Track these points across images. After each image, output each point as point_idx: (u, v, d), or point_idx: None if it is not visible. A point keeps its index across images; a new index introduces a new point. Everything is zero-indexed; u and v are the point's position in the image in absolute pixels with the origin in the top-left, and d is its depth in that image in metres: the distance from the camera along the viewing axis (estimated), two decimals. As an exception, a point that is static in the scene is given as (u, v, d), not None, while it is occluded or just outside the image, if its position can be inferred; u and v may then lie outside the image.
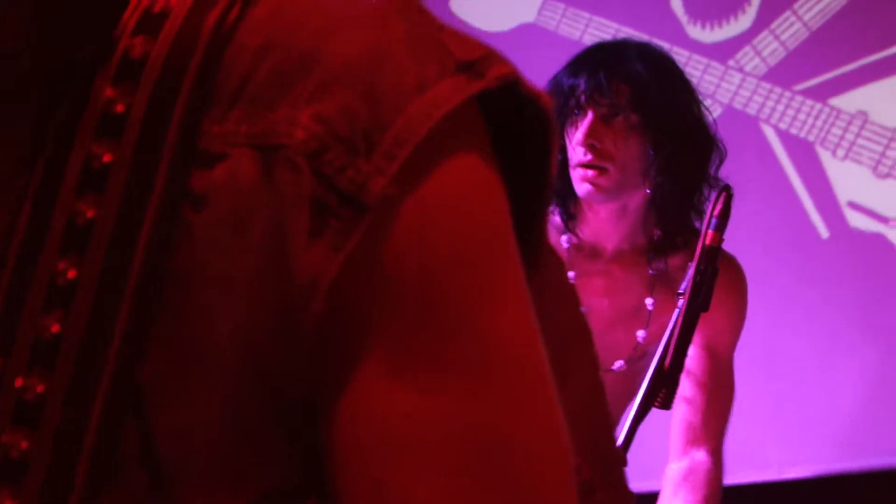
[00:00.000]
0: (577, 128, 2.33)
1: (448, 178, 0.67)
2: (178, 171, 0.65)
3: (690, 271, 1.95)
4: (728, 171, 3.67)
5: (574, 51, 3.92)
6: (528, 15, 4.02)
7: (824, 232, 3.59)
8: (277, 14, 0.68)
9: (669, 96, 2.35)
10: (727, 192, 1.97)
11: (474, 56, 0.68)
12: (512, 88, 0.68)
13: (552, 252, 0.80)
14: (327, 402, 0.65)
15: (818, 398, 3.52)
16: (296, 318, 0.65)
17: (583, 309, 2.33)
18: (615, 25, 3.89)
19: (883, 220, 3.53)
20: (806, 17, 3.65)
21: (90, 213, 0.66)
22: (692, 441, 2.36)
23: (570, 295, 0.83)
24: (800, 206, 3.61)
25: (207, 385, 0.65)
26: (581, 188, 2.31)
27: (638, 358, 2.43)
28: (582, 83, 2.33)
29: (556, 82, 2.40)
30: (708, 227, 1.95)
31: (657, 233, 2.38)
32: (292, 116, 0.65)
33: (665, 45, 3.79)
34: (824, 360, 3.53)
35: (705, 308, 1.95)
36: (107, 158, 0.66)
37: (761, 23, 3.70)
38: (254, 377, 0.66)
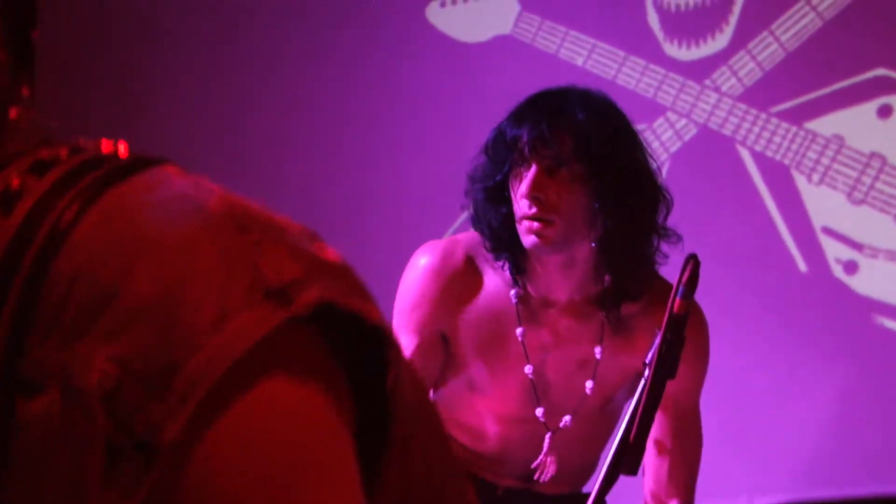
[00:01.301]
0: (521, 180, 2.29)
1: (248, 411, 0.66)
2: (3, 396, 0.67)
3: (657, 340, 1.93)
4: (703, 192, 3.66)
5: (549, 65, 3.92)
6: (503, 27, 3.98)
7: (797, 256, 3.57)
8: (92, 238, 0.68)
9: (613, 146, 2.32)
10: (694, 260, 1.95)
11: (286, 279, 0.68)
12: (331, 310, 0.68)
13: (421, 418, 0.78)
14: None
15: (787, 425, 3.51)
16: None
17: (529, 367, 2.34)
18: (591, 40, 3.85)
19: (857, 246, 3.51)
20: (783, 39, 3.63)
21: None
22: (664, 496, 2.36)
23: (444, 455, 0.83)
24: (774, 230, 3.59)
25: None
26: (527, 240, 2.29)
27: (587, 411, 2.41)
28: (525, 134, 2.29)
29: (499, 132, 2.36)
30: (675, 296, 1.93)
31: (607, 279, 2.36)
32: (89, 356, 0.65)
33: (641, 61, 3.79)
34: (792, 387, 3.52)
35: (672, 376, 1.93)
36: None
37: (738, 43, 3.68)
38: None
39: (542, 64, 3.89)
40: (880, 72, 3.51)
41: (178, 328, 0.66)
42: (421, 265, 2.40)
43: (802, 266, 3.56)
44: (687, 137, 3.73)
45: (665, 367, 1.91)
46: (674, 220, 3.65)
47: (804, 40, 3.61)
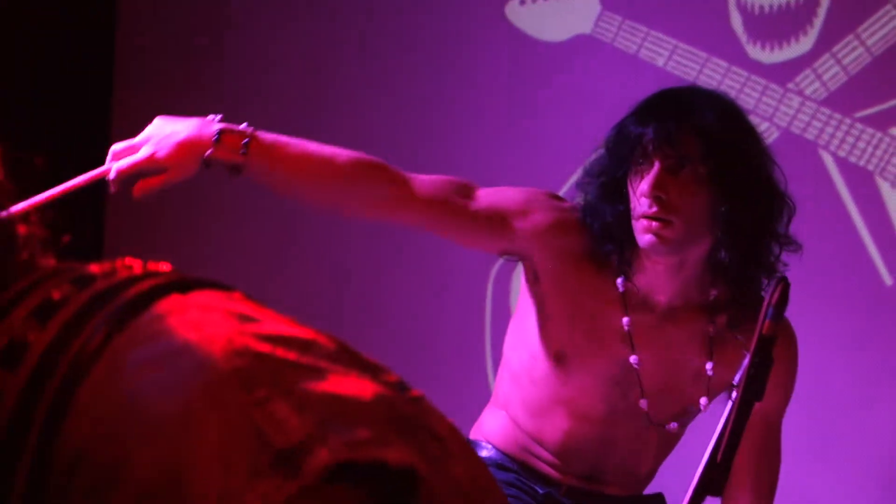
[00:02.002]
0: (641, 177, 2.25)
1: None
2: None
3: (745, 362, 1.90)
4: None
5: (629, 65, 3.88)
6: (584, 26, 3.95)
7: (880, 264, 3.52)
8: (94, 406, 0.67)
9: (740, 150, 2.28)
10: (784, 282, 1.92)
11: (293, 443, 0.66)
12: (347, 466, 0.66)
13: None
14: None
15: (873, 435, 3.47)
16: None
17: (635, 357, 2.29)
18: (672, 41, 3.82)
19: (941, 255, 3.46)
20: (869, 42, 3.57)
21: None
22: None
23: None
24: (857, 237, 3.55)
25: None
26: (644, 239, 2.24)
27: (691, 419, 2.40)
28: (650, 132, 2.25)
29: (621, 129, 2.32)
30: (765, 318, 1.90)
31: (714, 292, 2.33)
32: None
33: (723, 63, 3.75)
34: (877, 397, 3.48)
35: (759, 398, 1.90)
36: None
37: (823, 46, 3.63)
38: None
39: (621, 64, 3.86)
40: (968, 78, 3.46)
41: None
42: (539, 192, 2.38)
43: (885, 273, 3.51)
44: (769, 140, 3.68)
45: (753, 389, 1.88)
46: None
47: (891, 44, 3.55)
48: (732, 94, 3.72)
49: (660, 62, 3.84)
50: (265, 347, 0.70)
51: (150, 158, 2.09)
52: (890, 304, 3.51)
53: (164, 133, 2.12)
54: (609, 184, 2.28)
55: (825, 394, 3.51)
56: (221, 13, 4.41)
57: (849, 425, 3.48)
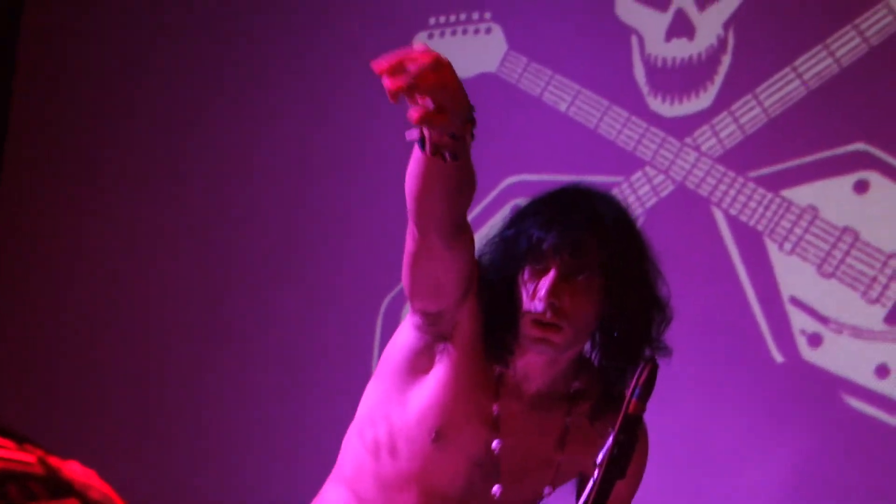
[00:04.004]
0: (537, 279, 2.26)
1: None
2: None
3: (609, 440, 1.91)
4: (675, 250, 3.65)
5: (532, 107, 3.88)
6: (489, 64, 3.96)
7: (763, 324, 3.57)
8: None
9: (637, 266, 2.32)
10: (652, 363, 1.94)
11: None
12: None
13: None
14: None
15: (745, 495, 3.51)
16: None
17: (498, 442, 2.30)
18: (576, 86, 3.84)
19: (823, 320, 3.51)
20: (767, 103, 3.62)
21: None
22: None
23: None
24: (742, 295, 3.59)
25: None
26: (531, 338, 2.26)
27: None
28: (553, 238, 2.26)
29: (523, 229, 2.30)
30: (632, 396, 1.92)
31: (576, 384, 2.36)
32: None
33: (624, 112, 3.78)
34: (753, 455, 3.52)
35: (622, 476, 1.92)
36: None
37: (722, 103, 3.67)
38: None
39: (525, 105, 3.88)
40: (860, 146, 3.51)
41: None
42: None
43: (767, 334, 3.56)
44: (663, 194, 3.73)
45: (616, 467, 1.90)
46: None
47: (787, 107, 3.60)
48: (631, 144, 3.76)
49: (562, 107, 3.86)
50: None
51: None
52: (768, 358, 3.55)
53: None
54: (501, 280, 2.30)
55: (704, 448, 3.54)
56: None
57: (724, 478, 3.53)
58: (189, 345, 4.20)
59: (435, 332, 2.33)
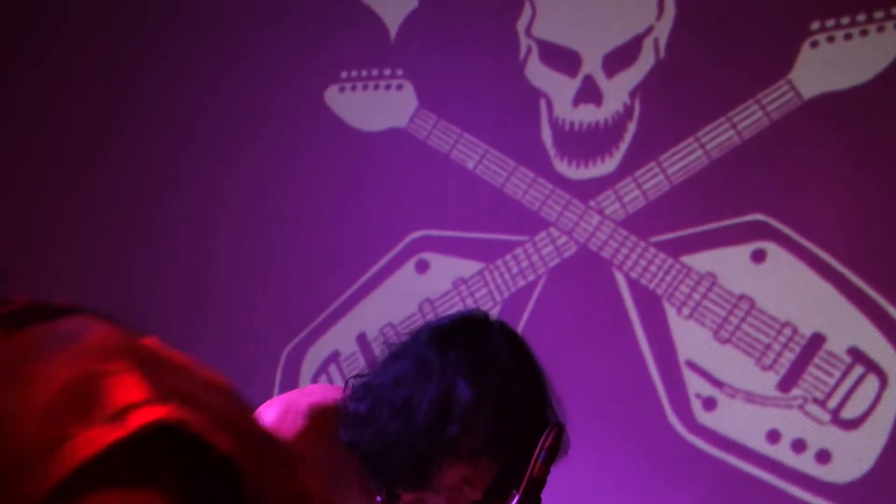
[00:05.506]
0: (449, 463, 2.17)
1: None
2: None
3: (514, 501, 1.96)
4: (576, 310, 3.72)
5: (440, 164, 3.91)
6: (399, 120, 4.01)
7: (659, 386, 3.64)
8: None
9: (533, 459, 2.27)
10: (558, 428, 1.98)
11: (125, 403, 0.74)
12: (172, 431, 0.74)
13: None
14: None
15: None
16: None
17: None
18: (484, 146, 3.90)
19: (718, 384, 3.59)
20: (669, 171, 3.71)
21: None
22: None
23: None
24: (640, 357, 3.66)
25: None
26: None
27: None
28: (470, 441, 2.15)
29: (441, 419, 2.17)
30: (537, 460, 1.96)
31: None
32: None
33: (530, 174, 3.84)
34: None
35: (528, 539, 1.95)
36: None
37: (626, 169, 3.75)
38: None
39: (432, 161, 3.93)
40: (759, 217, 3.61)
41: (13, 451, 0.71)
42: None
43: (664, 396, 3.63)
44: (566, 255, 3.79)
45: (521, 527, 1.93)
46: (545, 335, 3.72)
47: (689, 176, 3.69)
48: (536, 205, 3.82)
49: (470, 164, 3.92)
50: (142, 345, 0.80)
51: None
52: (663, 420, 3.62)
53: None
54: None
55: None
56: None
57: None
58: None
59: None
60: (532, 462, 1.99)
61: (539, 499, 2.00)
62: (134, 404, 0.74)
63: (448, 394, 2.16)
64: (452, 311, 3.73)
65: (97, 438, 0.72)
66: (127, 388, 0.75)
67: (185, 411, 0.75)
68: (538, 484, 2.00)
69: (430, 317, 3.81)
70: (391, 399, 2.18)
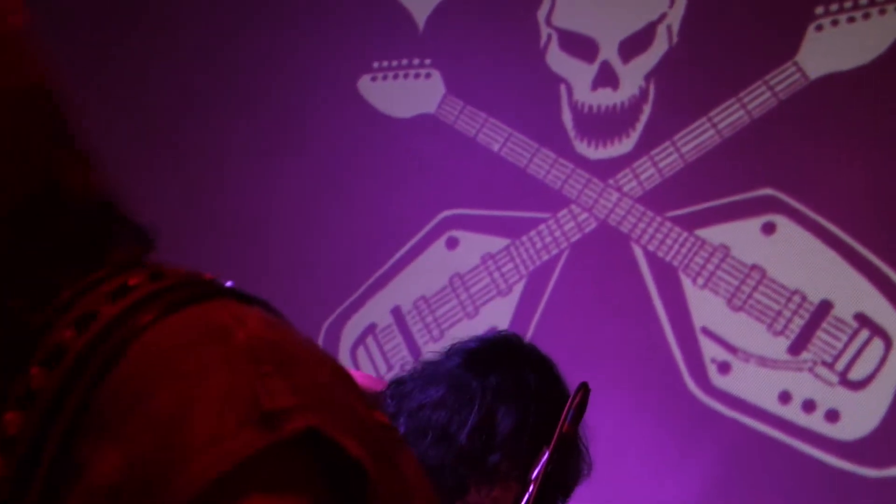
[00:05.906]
0: (483, 488, 2.19)
1: None
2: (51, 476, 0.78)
3: (544, 457, 2.12)
4: (597, 281, 3.89)
5: (467, 146, 4.04)
6: (428, 106, 4.18)
7: (677, 352, 3.79)
8: (142, 357, 0.80)
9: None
10: (585, 388, 2.14)
11: (278, 407, 0.77)
12: (318, 436, 0.78)
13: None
14: None
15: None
16: None
17: None
18: (508, 129, 4.06)
19: (732, 349, 3.74)
20: (683, 150, 3.87)
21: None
22: None
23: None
24: (658, 325, 3.83)
25: None
26: None
27: None
28: (515, 468, 2.17)
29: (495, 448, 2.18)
30: (566, 417, 2.13)
31: None
32: (108, 454, 0.76)
33: (552, 155, 4.01)
34: (665, 473, 3.71)
35: (561, 492, 2.14)
36: (12, 431, 0.79)
37: (642, 148, 3.90)
38: None
39: (460, 145, 4.10)
40: (768, 191, 3.75)
41: (177, 445, 0.75)
42: None
43: (681, 362, 3.79)
44: (587, 230, 3.96)
45: (551, 482, 2.10)
46: (568, 305, 3.91)
47: (702, 154, 3.84)
48: (558, 184, 4.01)
49: (495, 147, 4.08)
50: (283, 341, 0.83)
51: None
52: (681, 384, 3.79)
53: None
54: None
55: (615, 469, 3.75)
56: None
57: (634, 501, 3.75)
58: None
59: None
60: (561, 420, 2.14)
61: (569, 454, 2.16)
62: (285, 409, 0.76)
63: (489, 421, 2.17)
64: (481, 285, 3.93)
65: (252, 442, 0.75)
66: (278, 392, 0.77)
67: (324, 416, 0.77)
68: (567, 440, 2.15)
69: (460, 291, 4.01)
70: (429, 423, 2.18)
